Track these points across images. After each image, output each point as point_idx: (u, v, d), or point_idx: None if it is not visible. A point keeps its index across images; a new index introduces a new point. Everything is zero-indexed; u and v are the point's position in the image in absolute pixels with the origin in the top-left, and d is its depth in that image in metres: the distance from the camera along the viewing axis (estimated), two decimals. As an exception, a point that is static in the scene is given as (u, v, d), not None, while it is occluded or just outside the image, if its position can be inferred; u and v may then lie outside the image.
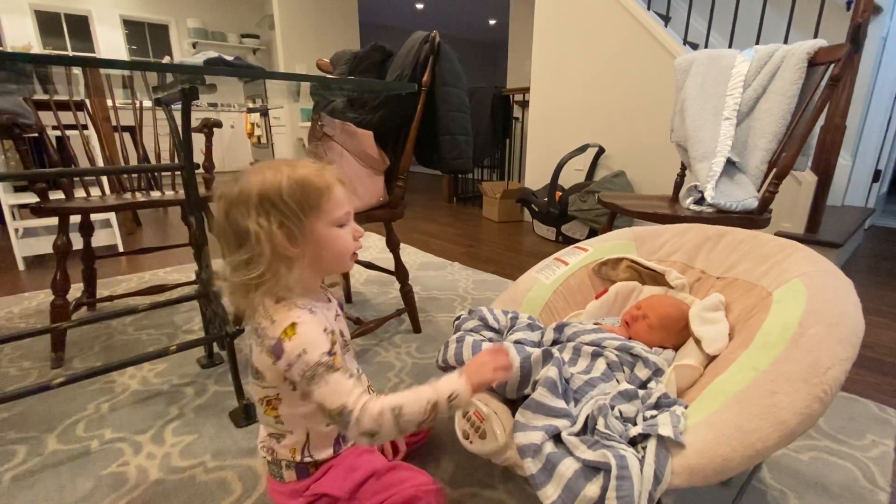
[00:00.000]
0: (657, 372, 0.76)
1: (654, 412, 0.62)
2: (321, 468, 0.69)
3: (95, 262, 1.54)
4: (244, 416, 1.01)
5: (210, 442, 0.94)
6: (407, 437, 0.84)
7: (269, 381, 0.63)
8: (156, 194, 1.55)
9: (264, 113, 5.18)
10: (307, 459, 0.67)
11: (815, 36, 1.83)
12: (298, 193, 0.57)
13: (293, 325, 0.56)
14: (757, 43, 1.61)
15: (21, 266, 2.12)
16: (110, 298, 1.59)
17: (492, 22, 7.50)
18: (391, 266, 1.43)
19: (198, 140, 1.36)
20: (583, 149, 2.65)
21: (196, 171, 1.10)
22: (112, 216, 2.31)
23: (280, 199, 0.57)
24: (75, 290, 1.56)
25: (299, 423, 0.66)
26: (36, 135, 1.43)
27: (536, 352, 0.66)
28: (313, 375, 0.55)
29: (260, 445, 0.70)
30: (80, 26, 5.19)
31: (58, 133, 1.61)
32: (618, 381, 0.75)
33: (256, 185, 0.57)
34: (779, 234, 2.02)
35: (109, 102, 1.49)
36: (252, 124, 5.43)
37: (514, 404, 0.68)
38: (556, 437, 0.59)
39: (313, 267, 0.62)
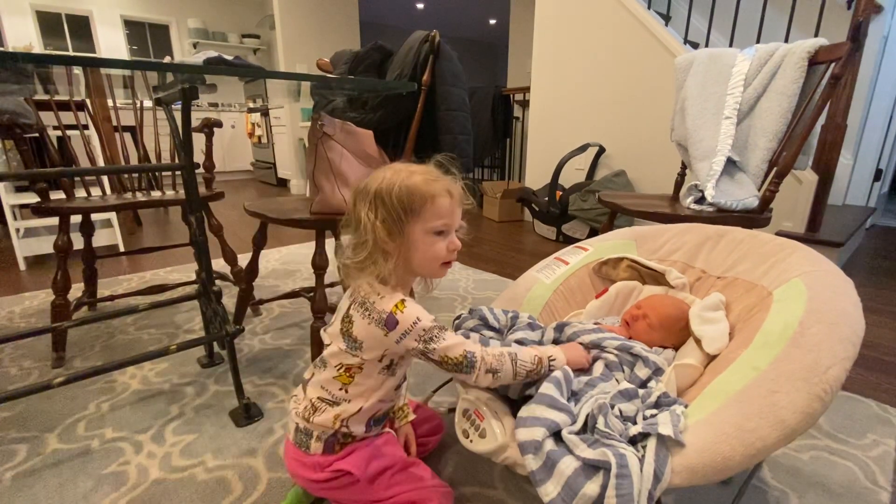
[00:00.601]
0: (657, 371, 0.76)
1: (654, 411, 0.62)
2: (346, 448, 0.71)
3: (96, 262, 1.55)
4: (244, 415, 1.01)
5: (210, 441, 0.94)
6: (418, 440, 0.85)
7: (366, 352, 0.67)
8: (156, 194, 1.56)
9: (265, 113, 5.18)
10: (343, 430, 0.70)
11: (816, 35, 1.83)
12: (405, 196, 0.64)
13: (402, 300, 0.64)
14: (757, 42, 1.61)
15: (22, 266, 2.12)
16: (111, 298, 1.59)
17: (492, 21, 7.50)
18: (391, 265, 1.43)
19: (198, 140, 1.36)
20: (583, 148, 2.65)
21: (196, 171, 1.10)
22: (113, 216, 2.32)
23: (389, 198, 0.64)
24: (76, 290, 1.57)
25: (363, 394, 0.70)
26: (37, 135, 1.43)
27: None
28: (431, 337, 0.63)
29: (294, 411, 0.73)
30: (81, 26, 5.19)
31: (59, 133, 1.61)
32: (618, 380, 0.75)
33: (376, 182, 0.66)
34: (779, 233, 2.02)
35: (110, 102, 1.50)
36: (252, 124, 5.43)
37: (514, 404, 0.68)
38: (557, 436, 0.59)
39: (405, 265, 0.68)
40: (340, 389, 0.70)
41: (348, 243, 0.68)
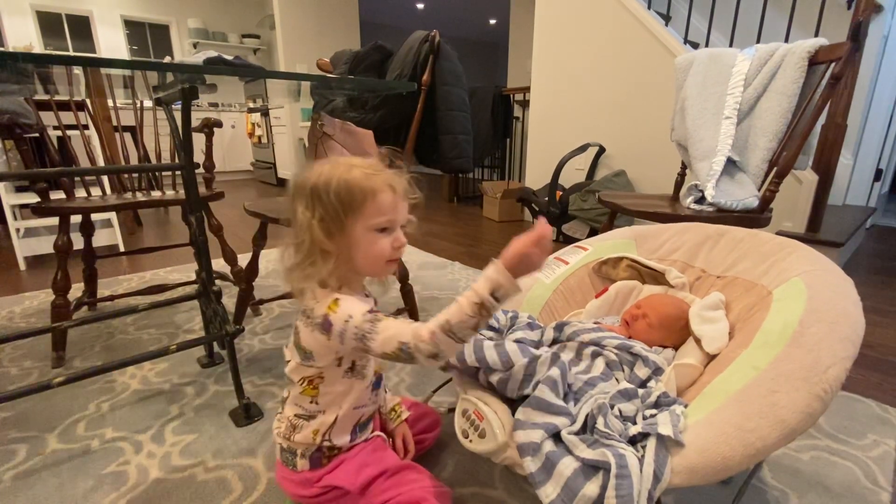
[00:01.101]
0: (657, 371, 0.76)
1: (653, 411, 0.62)
2: (334, 461, 0.70)
3: (96, 262, 1.55)
4: (244, 415, 1.01)
5: (210, 441, 0.94)
6: (416, 437, 0.84)
7: (318, 360, 0.65)
8: (156, 194, 1.56)
9: (265, 113, 5.18)
10: (325, 444, 0.69)
11: (816, 35, 1.83)
12: (343, 192, 0.60)
13: (336, 300, 0.60)
14: (757, 42, 1.60)
15: (22, 266, 2.12)
16: (111, 298, 1.59)
17: (492, 21, 7.50)
18: (391, 265, 1.43)
19: (198, 140, 1.36)
20: (583, 148, 2.65)
21: (196, 171, 1.10)
22: (113, 216, 2.32)
23: (326, 194, 0.60)
24: (76, 290, 1.57)
25: (334, 402, 0.68)
26: (37, 135, 1.43)
27: (545, 354, 0.66)
28: (364, 333, 0.58)
29: (276, 431, 0.72)
30: (81, 27, 5.20)
31: (59, 133, 1.61)
32: (617, 380, 0.75)
33: (314, 176, 0.61)
34: (780, 233, 2.02)
35: (110, 102, 1.49)
36: (252, 124, 5.44)
37: (513, 404, 0.68)
38: (556, 436, 0.59)
39: (347, 265, 0.64)
40: (311, 403, 0.68)
41: (287, 244, 0.64)
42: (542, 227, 0.55)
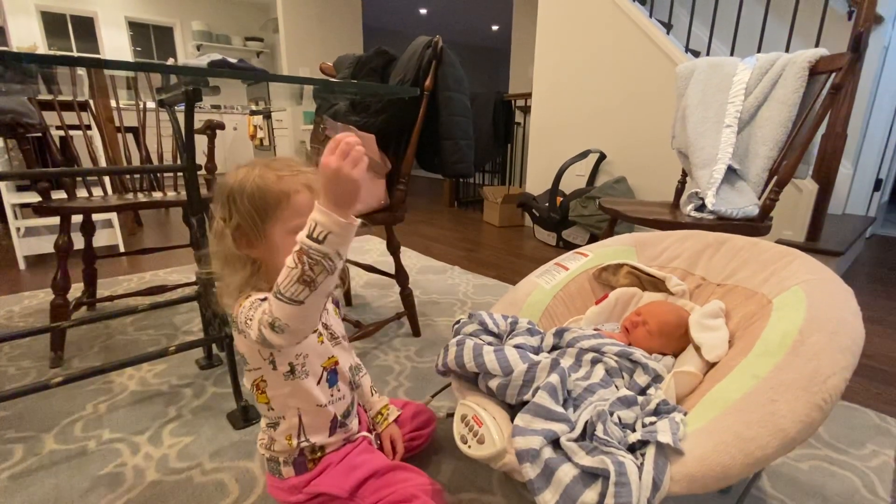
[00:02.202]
0: (656, 378, 0.76)
1: (653, 419, 0.62)
2: (320, 464, 0.70)
3: (96, 262, 1.55)
4: (242, 417, 1.00)
5: (208, 443, 0.94)
6: (407, 442, 0.83)
7: (251, 362, 0.65)
8: (158, 195, 1.56)
9: (267, 115, 5.20)
10: (304, 444, 0.68)
11: (817, 45, 1.84)
12: (258, 197, 0.58)
13: (247, 296, 0.59)
14: (758, 51, 1.61)
15: (22, 265, 2.12)
16: (110, 298, 1.59)
17: (494, 28, 7.54)
18: (391, 269, 1.43)
19: (200, 141, 1.36)
20: (584, 154, 2.66)
21: (198, 173, 1.11)
22: (114, 216, 2.32)
23: (241, 200, 0.58)
24: (75, 290, 1.57)
25: (286, 404, 0.67)
26: (39, 134, 1.44)
27: (545, 361, 0.66)
28: (246, 320, 0.55)
29: (259, 443, 0.72)
30: (85, 27, 5.23)
31: (61, 133, 1.62)
32: (617, 387, 0.75)
33: (231, 180, 0.59)
34: (780, 241, 2.02)
35: (113, 103, 1.50)
36: (255, 126, 5.46)
37: (512, 409, 0.67)
38: (555, 443, 0.59)
39: (268, 271, 0.62)
40: (269, 409, 0.68)
41: (210, 249, 0.62)
42: (338, 135, 0.48)
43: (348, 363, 0.76)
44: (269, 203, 0.58)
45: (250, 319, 0.55)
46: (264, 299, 0.56)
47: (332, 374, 0.71)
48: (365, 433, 0.77)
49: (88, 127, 2.09)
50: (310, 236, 0.48)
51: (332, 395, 0.71)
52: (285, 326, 0.50)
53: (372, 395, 0.86)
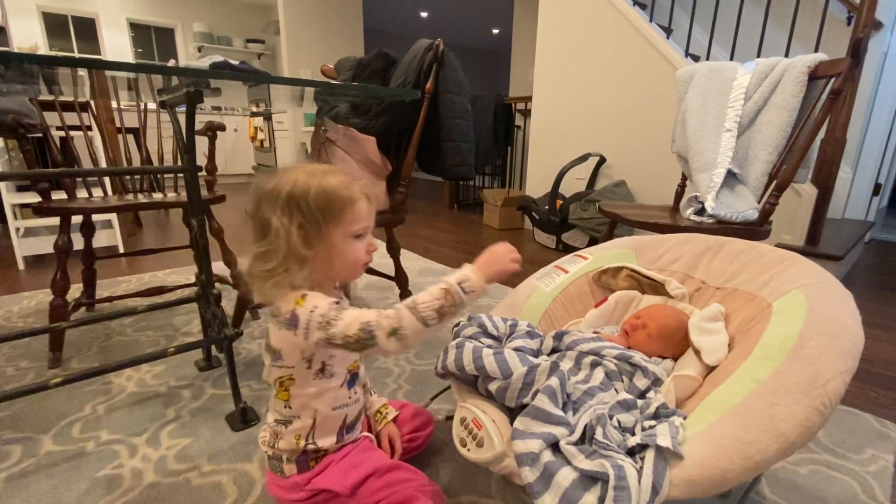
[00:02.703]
0: (656, 382, 0.76)
1: (652, 422, 0.62)
2: (322, 462, 0.70)
3: (96, 263, 1.54)
4: (241, 419, 1.00)
5: (206, 445, 0.94)
6: (405, 443, 0.83)
7: (287, 360, 0.66)
8: (158, 196, 1.56)
9: (268, 117, 5.21)
10: (310, 447, 0.69)
11: (816, 50, 1.85)
12: (323, 201, 0.62)
13: (303, 295, 0.61)
14: (758, 56, 1.62)
15: (21, 265, 2.12)
16: (110, 299, 1.59)
17: (495, 31, 7.56)
18: (392, 271, 1.43)
19: (201, 143, 1.37)
20: (584, 158, 2.66)
21: (199, 174, 1.11)
22: (113, 217, 2.32)
23: (306, 202, 0.61)
24: (75, 291, 1.56)
25: (307, 405, 0.68)
26: (40, 135, 1.44)
27: (545, 364, 0.66)
28: (328, 321, 0.59)
29: (261, 440, 0.72)
30: (86, 28, 5.23)
31: (62, 133, 1.62)
32: (616, 390, 0.75)
33: (288, 184, 0.62)
34: (779, 245, 2.02)
35: (114, 104, 1.50)
36: (255, 128, 5.46)
37: (512, 412, 0.67)
38: (555, 446, 0.59)
39: (323, 270, 0.66)
40: (286, 407, 0.69)
41: (251, 251, 0.64)
42: (513, 250, 0.64)
43: (364, 367, 0.78)
44: (334, 206, 0.62)
45: (334, 319, 0.59)
46: (338, 302, 0.61)
47: (353, 377, 0.74)
48: (366, 433, 0.78)
49: (89, 128, 2.10)
50: (459, 284, 0.60)
51: (349, 398, 0.73)
52: (405, 337, 0.58)
53: (371, 395, 0.86)
